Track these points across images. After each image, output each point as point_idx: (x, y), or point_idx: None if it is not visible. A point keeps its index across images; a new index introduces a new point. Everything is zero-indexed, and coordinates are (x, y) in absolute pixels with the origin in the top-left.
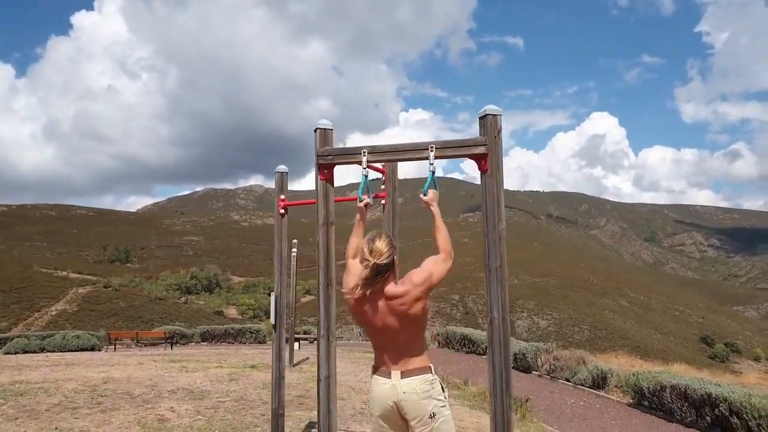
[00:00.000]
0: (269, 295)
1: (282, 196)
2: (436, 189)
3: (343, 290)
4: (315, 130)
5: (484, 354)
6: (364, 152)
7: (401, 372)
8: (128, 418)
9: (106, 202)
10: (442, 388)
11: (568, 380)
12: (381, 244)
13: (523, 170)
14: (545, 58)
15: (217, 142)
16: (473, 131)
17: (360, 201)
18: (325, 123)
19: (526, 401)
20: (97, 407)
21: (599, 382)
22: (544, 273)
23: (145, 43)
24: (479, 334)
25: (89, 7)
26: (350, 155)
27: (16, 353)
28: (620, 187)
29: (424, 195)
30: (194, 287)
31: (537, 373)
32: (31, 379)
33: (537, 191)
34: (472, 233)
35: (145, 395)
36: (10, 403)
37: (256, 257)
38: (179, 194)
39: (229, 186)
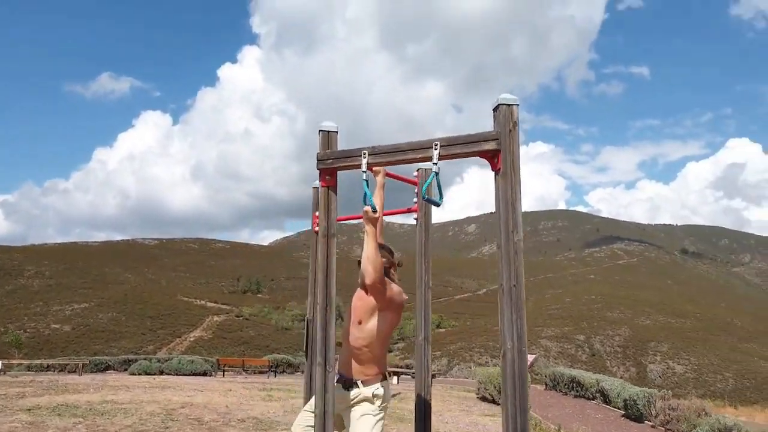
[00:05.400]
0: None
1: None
2: (440, 193)
3: (401, 298)
4: (318, 132)
5: (593, 399)
6: (365, 153)
7: None
8: None
9: (243, 236)
10: None
11: None
12: None
13: (653, 202)
14: (674, 87)
15: (343, 179)
16: (597, 163)
17: (373, 211)
18: (329, 125)
19: None
20: None
21: None
22: (680, 313)
23: (278, 89)
24: (588, 377)
25: (233, 60)
26: (351, 158)
27: (138, 374)
28: (766, 221)
29: (424, 197)
30: None
31: (650, 423)
32: (120, 400)
33: (670, 224)
34: (600, 269)
35: (214, 422)
36: (87, 422)
37: None
38: (307, 228)
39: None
